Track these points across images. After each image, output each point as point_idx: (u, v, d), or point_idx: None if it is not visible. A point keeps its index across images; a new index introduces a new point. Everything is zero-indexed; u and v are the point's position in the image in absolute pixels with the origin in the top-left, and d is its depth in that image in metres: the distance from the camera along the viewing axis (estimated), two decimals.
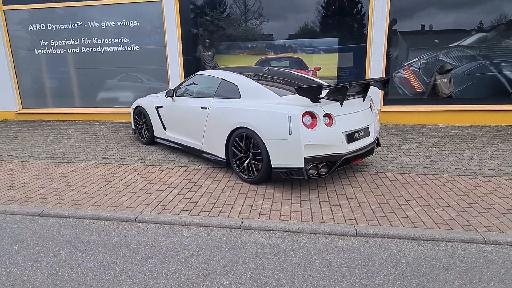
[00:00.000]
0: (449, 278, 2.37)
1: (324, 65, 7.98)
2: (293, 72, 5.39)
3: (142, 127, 6.06)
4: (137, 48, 8.10)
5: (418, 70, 7.57)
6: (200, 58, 8.16)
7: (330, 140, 3.64)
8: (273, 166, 3.78)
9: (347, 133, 3.82)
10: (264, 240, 2.91)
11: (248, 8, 7.69)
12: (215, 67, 8.33)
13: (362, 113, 4.09)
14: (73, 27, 8.16)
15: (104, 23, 8.05)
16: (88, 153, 5.59)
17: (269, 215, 3.28)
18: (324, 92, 3.78)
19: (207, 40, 8.16)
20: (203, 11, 7.85)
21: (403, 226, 3.02)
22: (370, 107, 4.39)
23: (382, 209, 3.37)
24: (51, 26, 8.24)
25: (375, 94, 7.27)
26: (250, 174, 4.06)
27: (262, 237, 2.96)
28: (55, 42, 8.31)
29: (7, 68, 8.47)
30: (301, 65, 8.28)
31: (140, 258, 2.67)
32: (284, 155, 3.66)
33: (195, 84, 5.14)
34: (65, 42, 8.28)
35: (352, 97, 4.11)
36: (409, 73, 7.66)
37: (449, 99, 7.32)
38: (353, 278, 2.38)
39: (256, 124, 3.83)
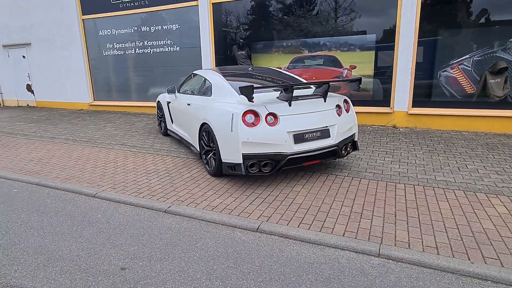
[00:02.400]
0: (303, 281, 2.34)
1: (360, 63, 7.65)
2: (279, 71, 5.43)
3: (161, 120, 6.84)
4: (178, 49, 9.00)
5: (470, 69, 6.71)
6: (235, 58, 8.63)
7: (271, 139, 3.71)
8: (222, 160, 4.02)
9: (295, 133, 3.81)
10: (176, 224, 3.22)
11: (282, 7, 7.83)
12: (249, 65, 8.70)
13: (320, 114, 4.00)
14: (130, 31, 9.48)
15: (153, 27, 9.15)
16: (114, 139, 6.59)
17: (199, 204, 3.56)
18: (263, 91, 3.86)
19: (241, 40, 8.58)
20: (236, 12, 8.28)
21: (308, 229, 2.98)
22: (339, 108, 4.23)
23: (307, 211, 3.33)
24: (114, 31, 9.72)
25: (403, 94, 6.71)
26: (211, 167, 4.37)
27: (177, 222, 3.27)
28: (117, 44, 9.78)
29: (84, 67, 10.31)
30: (336, 63, 8.07)
31: (69, 224, 3.27)
32: (228, 151, 3.87)
33: (191, 82, 5.63)
34: (124, 45, 9.68)
35: (310, 98, 4.06)
36: (458, 72, 6.83)
37: (495, 103, 6.31)
38: (222, 264, 2.54)
39: (212, 120, 4.12)
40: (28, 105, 12.01)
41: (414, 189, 3.78)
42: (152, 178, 4.38)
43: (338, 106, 4.22)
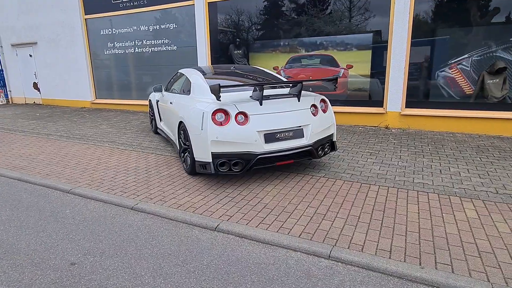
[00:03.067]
0: (245, 282, 2.32)
1: (356, 62, 7.55)
2: (260, 69, 5.39)
3: (152, 118, 6.91)
4: (175, 48, 9.07)
5: (468, 69, 6.52)
6: (231, 57, 8.65)
7: (241, 138, 3.69)
8: (195, 159, 4.03)
9: (265, 132, 3.78)
10: (139, 221, 3.25)
11: (278, 7, 7.80)
12: (245, 65, 8.70)
13: (294, 114, 3.96)
14: (130, 31, 9.61)
15: (151, 27, 9.25)
16: (106, 137, 6.70)
17: (166, 202, 3.58)
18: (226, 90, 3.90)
19: (237, 40, 8.58)
20: (232, 11, 8.28)
21: (266, 230, 2.95)
22: (316, 108, 4.17)
23: (271, 211, 3.30)
24: (115, 31, 9.87)
25: (395, 94, 6.58)
26: (187, 165, 4.39)
27: (140, 219, 3.30)
28: (117, 44, 9.94)
29: (86, 65, 10.51)
30: (332, 62, 7.99)
31: (36, 219, 3.34)
32: (199, 149, 3.87)
33: (177, 81, 5.66)
34: (124, 44, 9.82)
35: (283, 97, 4.02)
36: (457, 72, 6.65)
37: (492, 105, 6.12)
38: (170, 262, 2.55)
39: (187, 119, 4.13)
40: (34, 102, 12.34)
41: (387, 191, 3.70)
42: (129, 176, 4.43)
43: (314, 106, 4.17)
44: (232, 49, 8.70)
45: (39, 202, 3.75)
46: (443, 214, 3.14)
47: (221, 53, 8.61)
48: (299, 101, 4.05)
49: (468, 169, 4.28)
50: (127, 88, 10.18)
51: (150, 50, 9.44)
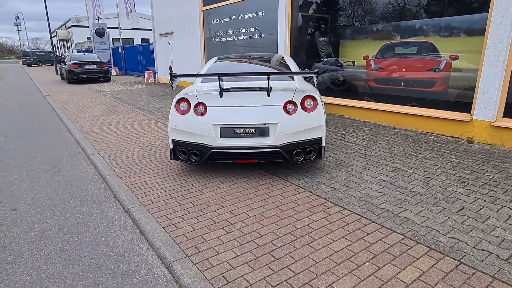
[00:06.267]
0: None
1: (464, 52, 5.98)
2: (281, 60, 4.87)
3: None
4: (262, 35, 9.18)
5: None
6: (316, 45, 8.14)
7: (195, 129, 3.58)
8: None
9: (222, 126, 3.53)
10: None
11: None
12: (330, 54, 8.10)
13: (259, 109, 3.52)
14: (230, 20, 10.28)
15: (246, 15, 9.63)
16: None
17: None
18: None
19: (322, 26, 8.01)
20: None
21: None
22: (295, 106, 3.57)
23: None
24: (221, 20, 10.75)
25: (488, 96, 4.80)
26: None
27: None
28: (222, 32, 10.81)
29: (200, 53, 11.91)
30: (432, 51, 6.56)
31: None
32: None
33: None
34: (226, 32, 10.61)
35: (249, 90, 3.61)
36: None
37: None
38: None
39: None
40: (167, 82, 14.91)
41: (341, 214, 2.90)
42: (135, 147, 4.98)
43: (291, 103, 3.58)
44: (317, 37, 8.14)
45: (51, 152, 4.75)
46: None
47: (302, 41, 8.19)
48: (268, 96, 3.58)
49: None
50: None
51: (243, 38, 9.86)
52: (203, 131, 3.56)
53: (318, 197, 3.30)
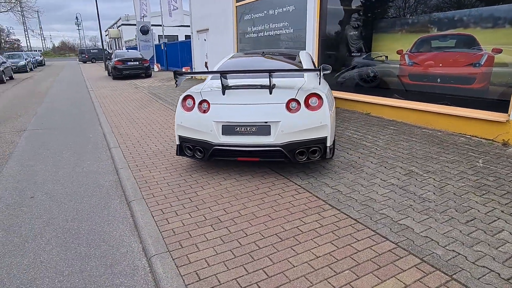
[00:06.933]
0: None
1: (509, 45, 5.50)
2: (290, 55, 4.75)
3: None
4: (291, 30, 9.03)
5: None
6: (347, 39, 7.86)
7: (199, 126, 3.64)
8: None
9: (224, 123, 3.54)
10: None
11: None
12: (361, 49, 7.78)
13: (260, 107, 3.47)
14: (261, 15, 10.23)
15: (276, 10, 9.52)
16: None
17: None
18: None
19: (353, 18, 7.70)
20: None
21: None
22: (298, 104, 3.47)
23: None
24: (252, 16, 10.75)
25: None
26: None
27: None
28: (254, 28, 10.81)
29: (233, 49, 12.03)
30: (472, 45, 6.11)
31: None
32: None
33: None
34: (256, 28, 10.59)
35: (251, 88, 3.58)
36: None
37: None
38: None
39: None
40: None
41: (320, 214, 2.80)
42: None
43: (294, 100, 3.49)
44: (348, 30, 7.84)
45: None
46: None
47: (332, 35, 7.92)
48: (270, 93, 3.51)
49: None
50: None
51: (274, 33, 9.77)
52: (206, 128, 3.61)
53: (317, 199, 3.20)
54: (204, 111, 3.65)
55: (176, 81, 3.74)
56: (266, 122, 3.47)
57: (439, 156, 4.22)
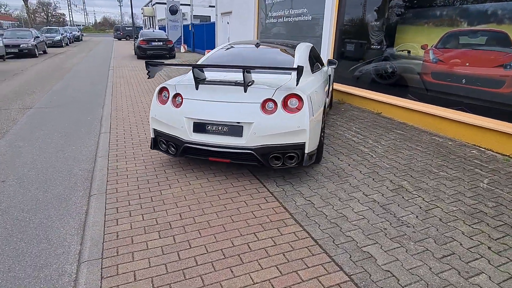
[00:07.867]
0: None
1: None
2: (285, 47, 4.37)
3: None
4: (310, 18, 8.52)
5: None
6: (367, 29, 7.29)
7: (170, 121, 3.43)
8: None
9: (195, 121, 3.31)
10: None
11: None
12: (382, 41, 7.21)
13: (234, 106, 3.20)
14: (282, 0, 9.74)
15: None
16: None
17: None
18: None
19: (375, 8, 7.11)
20: None
21: None
22: (275, 105, 3.17)
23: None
24: (273, 1, 10.27)
25: None
26: None
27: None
28: (274, 13, 10.35)
29: (253, 34, 11.65)
30: (504, 43, 5.47)
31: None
32: None
33: None
34: (276, 13, 10.11)
35: (225, 84, 3.29)
36: None
37: None
38: None
39: None
40: None
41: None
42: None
43: (271, 101, 3.18)
44: (369, 21, 7.26)
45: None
46: None
47: (351, 25, 7.36)
48: (245, 91, 3.22)
49: None
50: None
51: (292, 20, 9.29)
52: (178, 123, 3.40)
53: (283, 211, 2.94)
54: (177, 106, 3.44)
55: (149, 72, 3.53)
56: (238, 123, 3.21)
57: (439, 170, 3.77)
